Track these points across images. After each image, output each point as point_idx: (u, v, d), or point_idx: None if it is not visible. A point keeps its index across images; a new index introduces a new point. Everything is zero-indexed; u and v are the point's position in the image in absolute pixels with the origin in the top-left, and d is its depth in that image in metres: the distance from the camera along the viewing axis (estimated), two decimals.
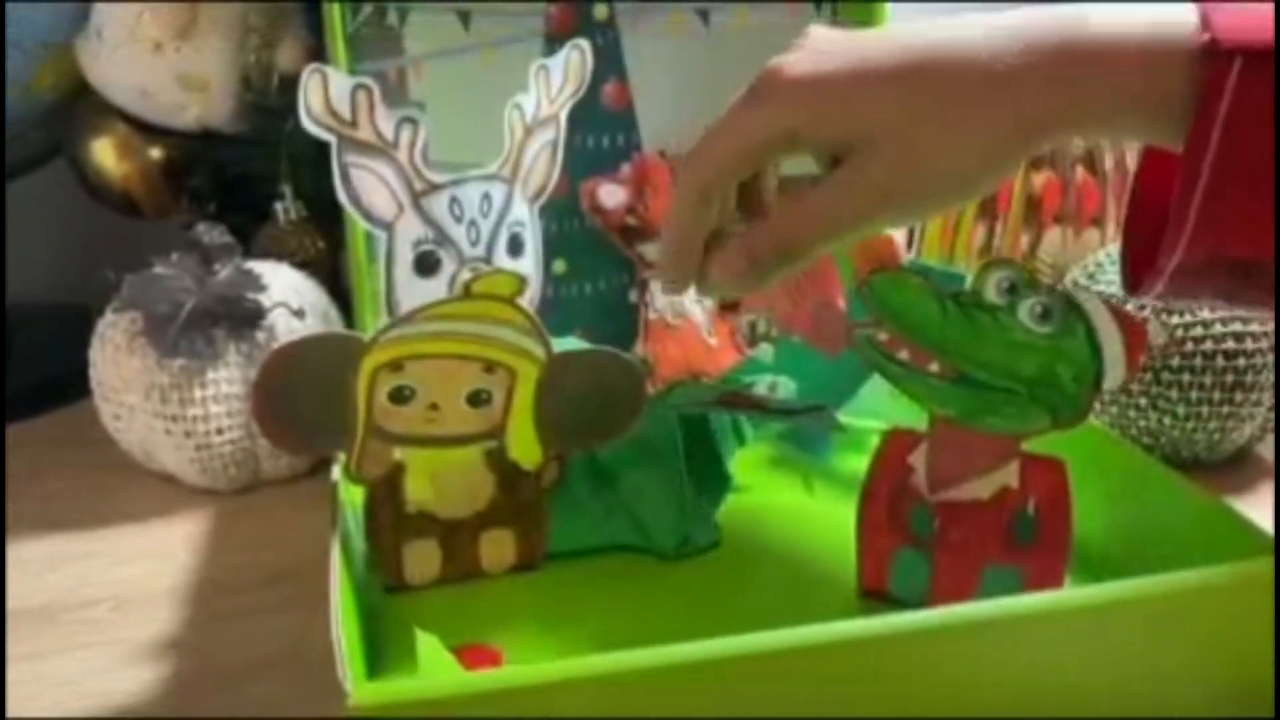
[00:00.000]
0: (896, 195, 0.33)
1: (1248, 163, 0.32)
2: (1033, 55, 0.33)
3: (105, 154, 0.59)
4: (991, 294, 0.33)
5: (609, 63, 0.56)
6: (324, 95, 0.39)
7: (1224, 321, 0.46)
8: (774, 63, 0.36)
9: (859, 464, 0.38)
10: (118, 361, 0.47)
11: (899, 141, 0.33)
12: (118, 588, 0.42)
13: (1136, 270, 0.36)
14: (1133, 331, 0.32)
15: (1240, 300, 0.35)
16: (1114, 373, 0.33)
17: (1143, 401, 0.48)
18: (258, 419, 0.33)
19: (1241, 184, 0.32)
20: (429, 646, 0.32)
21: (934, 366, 0.35)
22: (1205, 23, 0.32)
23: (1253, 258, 0.33)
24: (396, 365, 0.34)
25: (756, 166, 0.38)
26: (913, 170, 0.32)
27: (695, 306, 0.57)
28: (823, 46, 0.36)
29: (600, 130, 0.57)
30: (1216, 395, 0.46)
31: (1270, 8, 0.33)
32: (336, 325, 0.51)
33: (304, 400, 0.33)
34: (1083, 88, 0.33)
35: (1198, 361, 0.46)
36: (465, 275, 0.44)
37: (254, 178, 0.60)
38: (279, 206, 0.57)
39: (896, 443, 0.37)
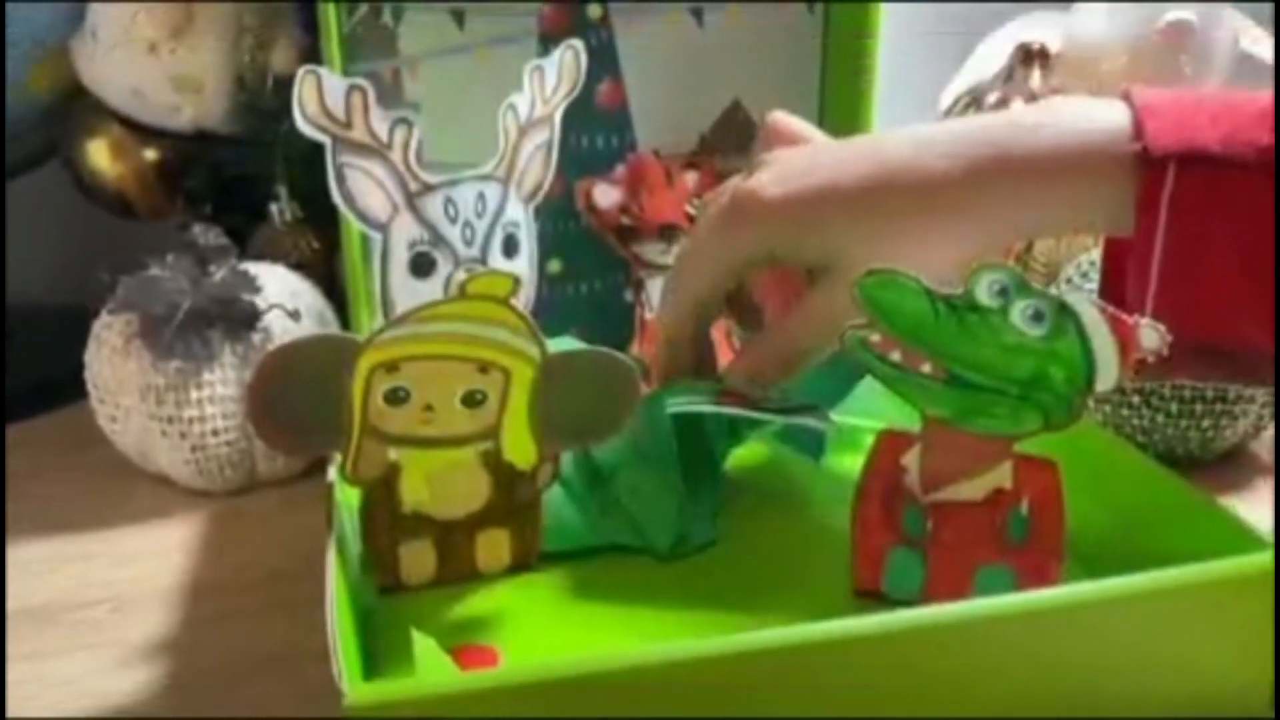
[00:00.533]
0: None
1: (1193, 259, 0.34)
2: (985, 174, 0.36)
3: (100, 155, 0.60)
4: (983, 296, 0.33)
5: (603, 63, 0.56)
6: (318, 96, 0.39)
7: None
8: (746, 185, 0.39)
9: (854, 463, 0.38)
10: (113, 363, 0.47)
11: (865, 263, 0.35)
12: (117, 589, 0.42)
13: None
14: (1125, 335, 0.32)
15: (1212, 379, 0.38)
16: (1106, 375, 0.33)
17: (1135, 399, 0.48)
18: (253, 421, 0.33)
19: (1189, 280, 0.34)
20: (425, 647, 0.32)
21: (926, 368, 0.35)
22: (1138, 130, 0.35)
23: (1216, 344, 0.35)
24: (392, 366, 0.34)
25: (739, 279, 0.42)
26: None
27: None
28: (788, 169, 0.39)
29: (595, 130, 0.57)
30: (1209, 393, 0.47)
31: (1201, 94, 0.35)
32: (332, 326, 0.51)
33: (299, 402, 0.34)
34: (1034, 203, 0.36)
35: None
36: (460, 276, 0.44)
37: (249, 179, 0.60)
38: (274, 208, 0.57)
39: (889, 444, 0.37)
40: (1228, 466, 0.50)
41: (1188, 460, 0.49)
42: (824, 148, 0.41)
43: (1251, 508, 0.46)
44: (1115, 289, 0.39)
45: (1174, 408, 0.47)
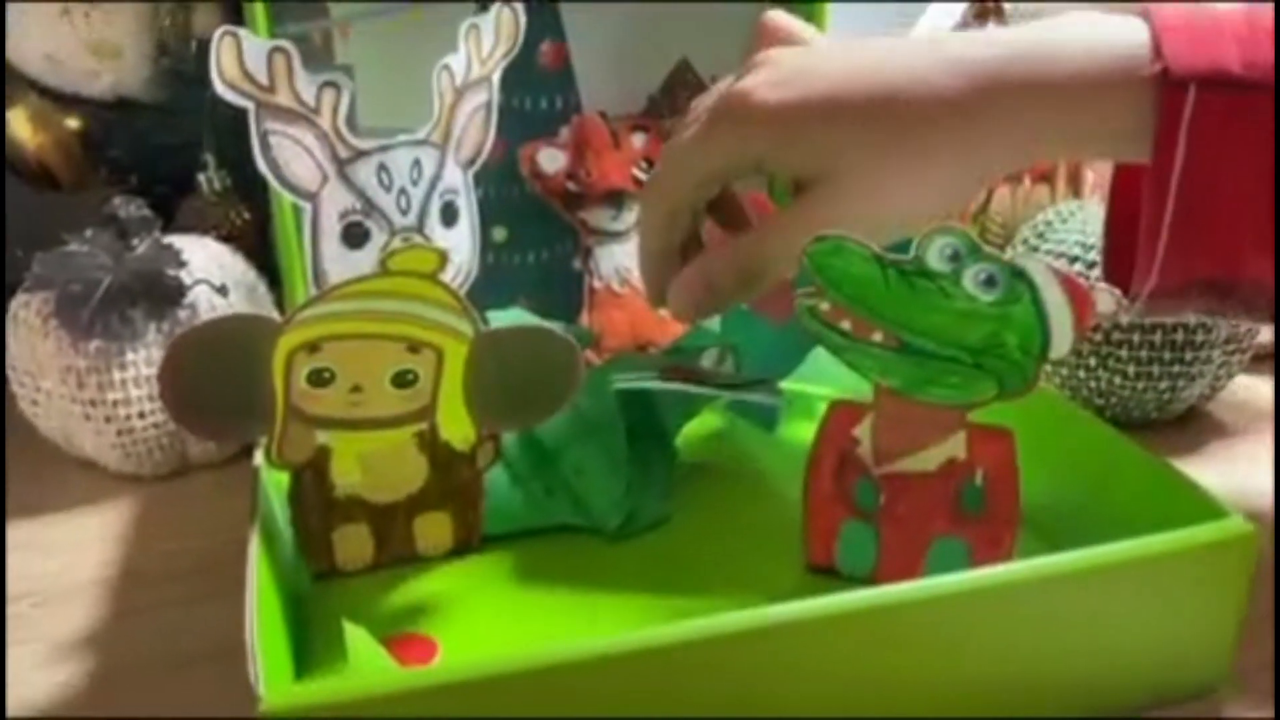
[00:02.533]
0: (857, 227, 0.33)
1: (1210, 188, 0.32)
2: (993, 93, 0.33)
3: (19, 124, 0.57)
4: (935, 261, 0.32)
5: (545, 22, 0.54)
6: (238, 59, 0.37)
7: None
8: (739, 87, 0.36)
9: (808, 432, 0.37)
10: (31, 344, 0.44)
11: (863, 177, 0.33)
12: (41, 582, 0.40)
13: (1119, 279, 0.37)
14: (1079, 299, 0.31)
15: (1222, 314, 0.36)
16: (1061, 341, 0.32)
17: (1092, 361, 0.47)
18: (168, 407, 0.31)
19: (1206, 209, 0.32)
20: (358, 639, 0.30)
21: (877, 336, 0.33)
22: (1157, 50, 0.32)
23: (1226, 277, 0.33)
24: (314, 347, 0.32)
25: (720, 187, 0.39)
26: (875, 205, 0.33)
27: None
28: (786, 72, 0.36)
29: (538, 92, 0.55)
30: (1166, 355, 0.46)
31: (1219, 13, 0.33)
32: (264, 300, 0.49)
33: (216, 386, 0.32)
34: (1044, 124, 0.34)
35: (1147, 321, 0.45)
36: (396, 244, 0.42)
37: (176, 147, 0.57)
38: (202, 177, 0.55)
39: (840, 415, 0.36)
40: (1184, 428, 0.49)
41: (1144, 422, 0.48)
42: (824, 52, 0.37)
43: (1208, 468, 0.46)
44: (1122, 216, 0.37)
45: (1131, 370, 0.46)
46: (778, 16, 0.40)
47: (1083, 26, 0.34)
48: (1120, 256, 0.39)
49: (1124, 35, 0.33)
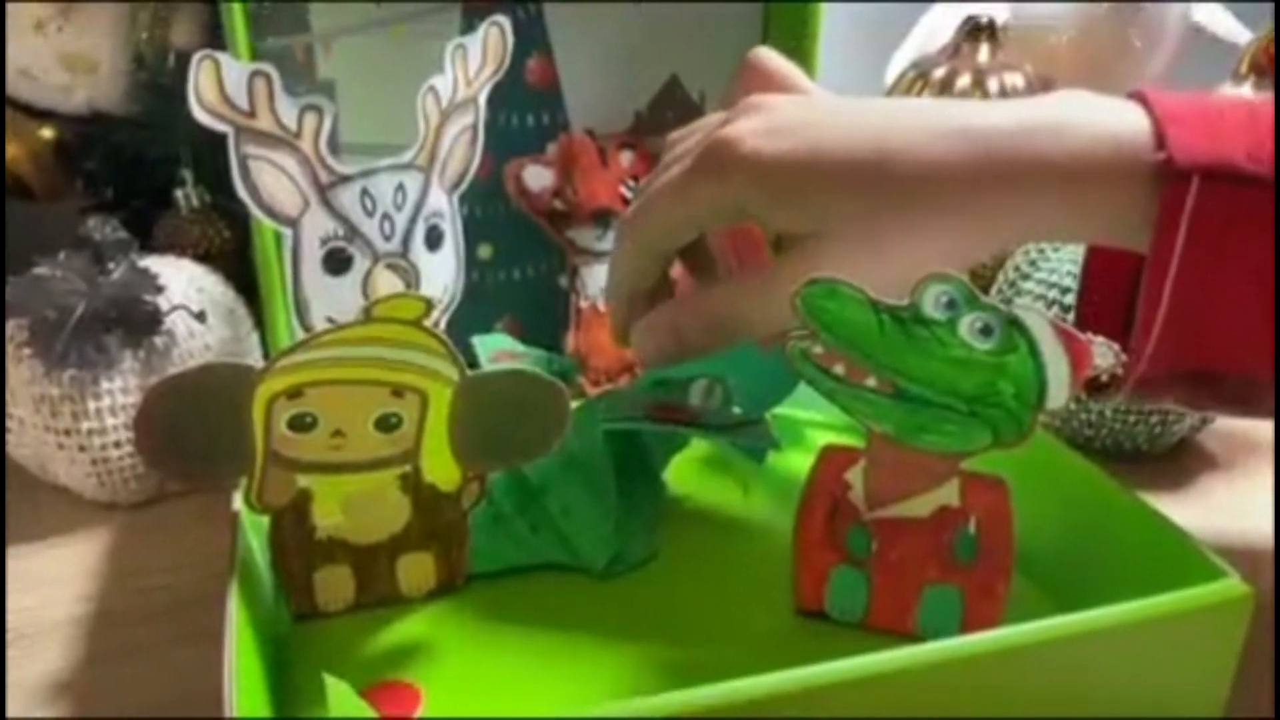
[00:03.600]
0: None
1: (1208, 280, 0.31)
2: (1002, 167, 0.33)
3: None
4: (930, 309, 0.31)
5: (532, 37, 0.53)
6: (217, 83, 0.36)
7: None
8: (726, 133, 0.35)
9: (799, 462, 0.37)
10: (4, 371, 0.43)
11: (852, 243, 0.32)
12: (13, 619, 0.39)
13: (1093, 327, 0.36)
14: (1077, 351, 0.30)
15: (1198, 407, 0.36)
16: (1058, 392, 0.31)
17: (1082, 394, 0.46)
18: (144, 454, 0.31)
19: (1203, 302, 0.32)
20: (339, 693, 0.30)
21: (871, 381, 0.33)
22: (1160, 139, 0.32)
23: (1211, 369, 0.33)
24: (295, 393, 0.31)
25: (700, 231, 0.38)
26: (861, 272, 0.32)
27: None
28: (779, 121, 0.34)
29: (524, 109, 0.54)
30: None
31: (1221, 103, 0.32)
32: (243, 325, 0.48)
33: (193, 433, 0.31)
34: (1043, 206, 0.33)
35: None
36: (380, 271, 0.42)
37: (154, 161, 0.56)
38: (179, 194, 0.54)
39: (832, 459, 0.35)
40: (1175, 460, 0.49)
41: (1135, 454, 0.48)
42: (820, 105, 0.36)
43: (1198, 503, 0.46)
44: (1097, 301, 0.37)
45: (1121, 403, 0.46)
46: (767, 56, 0.39)
47: (1084, 108, 0.34)
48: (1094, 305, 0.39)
49: (1125, 121, 0.33)
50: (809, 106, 0.35)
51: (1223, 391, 0.34)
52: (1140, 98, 0.33)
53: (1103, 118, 0.33)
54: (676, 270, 0.41)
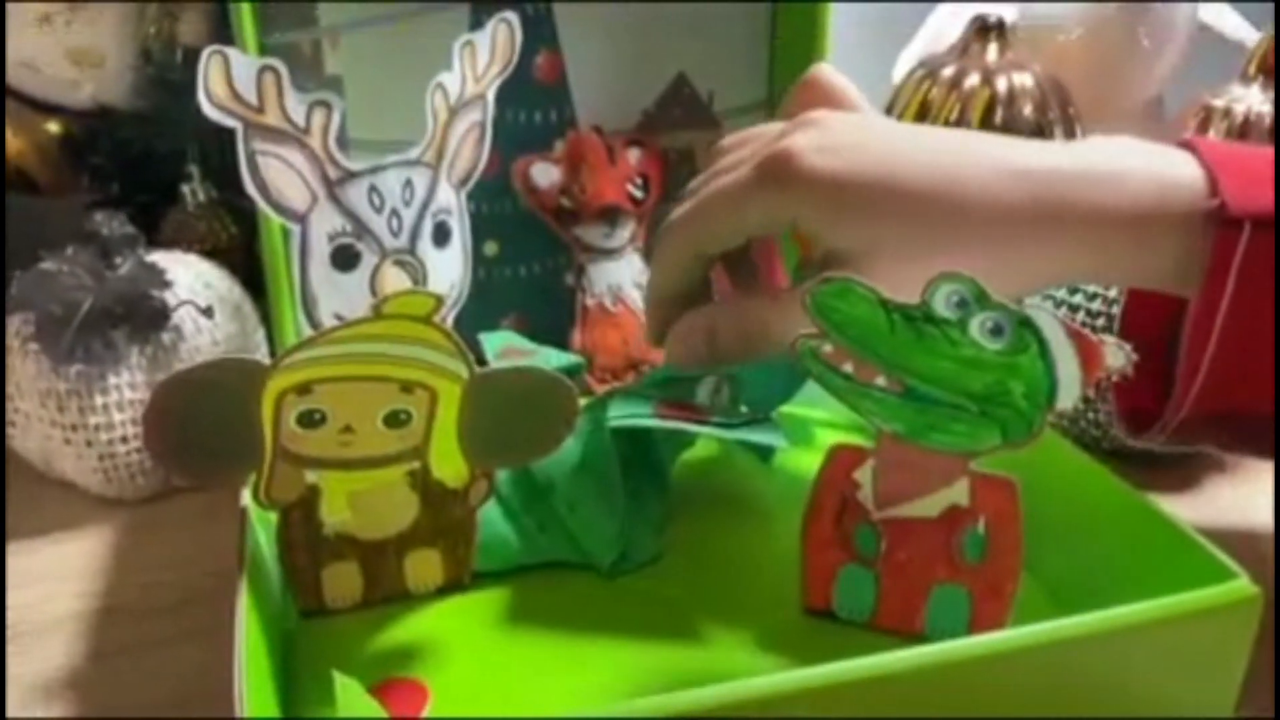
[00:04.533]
0: None
1: (1253, 326, 0.32)
2: (1060, 209, 0.33)
3: None
4: (941, 308, 0.31)
5: (541, 34, 0.52)
6: (226, 79, 0.36)
7: None
8: (786, 145, 0.35)
9: (807, 461, 0.37)
10: (10, 366, 0.43)
11: (901, 265, 0.32)
12: (13, 614, 0.39)
13: (1124, 403, 0.38)
14: (1088, 352, 0.30)
15: (1236, 451, 0.36)
16: (1068, 393, 0.31)
17: (1091, 394, 0.46)
18: (153, 452, 0.30)
19: (1246, 346, 0.32)
20: (348, 690, 0.30)
21: (880, 381, 0.33)
22: (1213, 187, 0.32)
23: (1252, 412, 0.34)
24: (304, 389, 0.31)
25: (748, 239, 0.38)
26: (904, 294, 0.31)
27: (635, 292, 0.55)
28: (838, 139, 0.35)
29: (532, 105, 0.54)
30: None
31: (1266, 153, 0.33)
32: (250, 320, 0.48)
33: (203, 429, 0.31)
34: (1089, 252, 0.34)
35: None
36: (388, 268, 0.42)
37: (161, 156, 0.55)
38: (186, 189, 0.53)
39: (841, 458, 0.35)
40: (1180, 459, 0.49)
41: (1142, 455, 0.48)
42: (877, 127, 0.36)
43: (1204, 504, 0.46)
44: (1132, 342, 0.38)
45: None
46: (828, 73, 0.39)
47: (1137, 156, 0.34)
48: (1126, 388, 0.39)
49: (1174, 168, 0.33)
50: (866, 127, 0.36)
51: (1257, 435, 0.35)
52: (1188, 145, 0.34)
53: (1159, 164, 0.34)
54: (719, 277, 0.41)
